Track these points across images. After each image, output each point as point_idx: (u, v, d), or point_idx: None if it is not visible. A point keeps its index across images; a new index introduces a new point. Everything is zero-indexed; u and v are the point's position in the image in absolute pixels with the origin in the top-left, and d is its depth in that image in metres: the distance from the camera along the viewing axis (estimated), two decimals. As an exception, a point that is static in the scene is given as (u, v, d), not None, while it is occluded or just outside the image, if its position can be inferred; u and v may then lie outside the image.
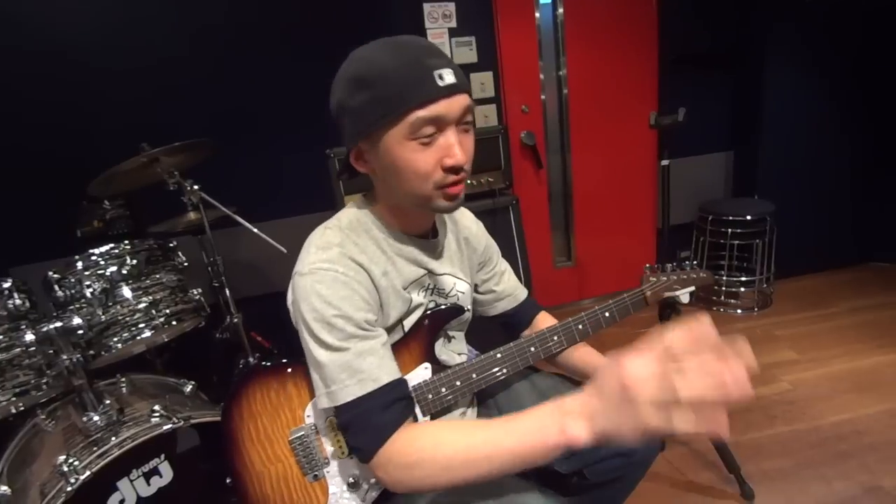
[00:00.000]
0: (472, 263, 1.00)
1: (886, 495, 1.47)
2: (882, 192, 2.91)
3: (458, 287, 0.94)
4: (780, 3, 2.57)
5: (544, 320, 1.07)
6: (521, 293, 1.08)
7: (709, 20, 2.70)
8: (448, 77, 0.70)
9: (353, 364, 0.73)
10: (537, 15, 2.52)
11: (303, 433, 0.85)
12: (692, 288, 1.01)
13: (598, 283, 3.00)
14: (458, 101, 0.72)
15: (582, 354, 0.97)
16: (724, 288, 2.78)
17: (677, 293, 1.00)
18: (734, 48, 2.76)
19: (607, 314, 0.94)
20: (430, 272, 0.89)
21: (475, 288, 1.05)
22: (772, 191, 2.78)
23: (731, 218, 2.59)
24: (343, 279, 0.75)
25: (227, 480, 0.84)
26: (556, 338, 0.91)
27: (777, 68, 2.68)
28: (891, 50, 2.67)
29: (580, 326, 0.92)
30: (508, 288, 1.07)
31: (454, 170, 0.74)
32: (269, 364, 0.87)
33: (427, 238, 0.90)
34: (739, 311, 2.71)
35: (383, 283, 0.81)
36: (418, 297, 0.87)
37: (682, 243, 2.94)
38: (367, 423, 0.72)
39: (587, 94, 2.68)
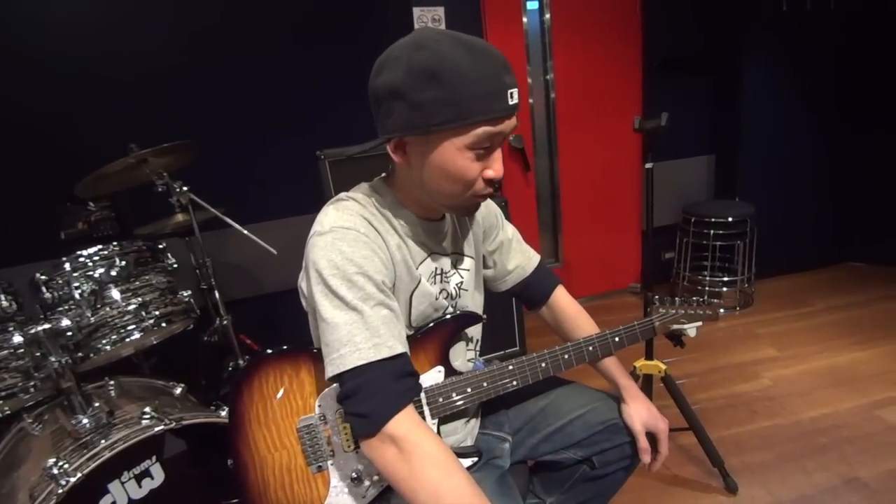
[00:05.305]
0: (476, 234, 0.99)
1: (864, 486, 1.52)
2: (857, 194, 3.01)
3: (462, 265, 0.94)
4: (758, 10, 2.65)
5: (562, 298, 1.08)
6: (531, 263, 1.07)
7: (690, 27, 2.77)
8: (515, 97, 0.71)
9: (371, 326, 0.70)
10: (525, 20, 2.56)
11: (311, 422, 0.84)
12: (699, 323, 1.04)
13: (585, 283, 3.05)
14: (514, 121, 0.74)
15: (606, 363, 1.02)
16: (706, 288, 2.84)
17: (685, 327, 1.03)
18: (714, 54, 2.82)
19: (617, 339, 0.97)
20: (433, 253, 0.89)
21: (483, 262, 1.03)
22: (752, 193, 2.85)
23: (713, 220, 2.65)
24: (364, 240, 0.75)
25: (229, 462, 0.83)
26: (566, 356, 0.93)
27: (756, 74, 2.75)
28: (866, 55, 2.76)
29: (590, 348, 0.95)
30: (516, 257, 1.06)
31: (492, 183, 0.77)
32: (284, 349, 0.85)
33: (433, 220, 0.90)
34: (722, 310, 2.74)
35: (397, 256, 0.81)
36: (426, 281, 0.87)
37: (666, 244, 2.99)
38: (380, 389, 0.69)
39: (574, 98, 2.73)
